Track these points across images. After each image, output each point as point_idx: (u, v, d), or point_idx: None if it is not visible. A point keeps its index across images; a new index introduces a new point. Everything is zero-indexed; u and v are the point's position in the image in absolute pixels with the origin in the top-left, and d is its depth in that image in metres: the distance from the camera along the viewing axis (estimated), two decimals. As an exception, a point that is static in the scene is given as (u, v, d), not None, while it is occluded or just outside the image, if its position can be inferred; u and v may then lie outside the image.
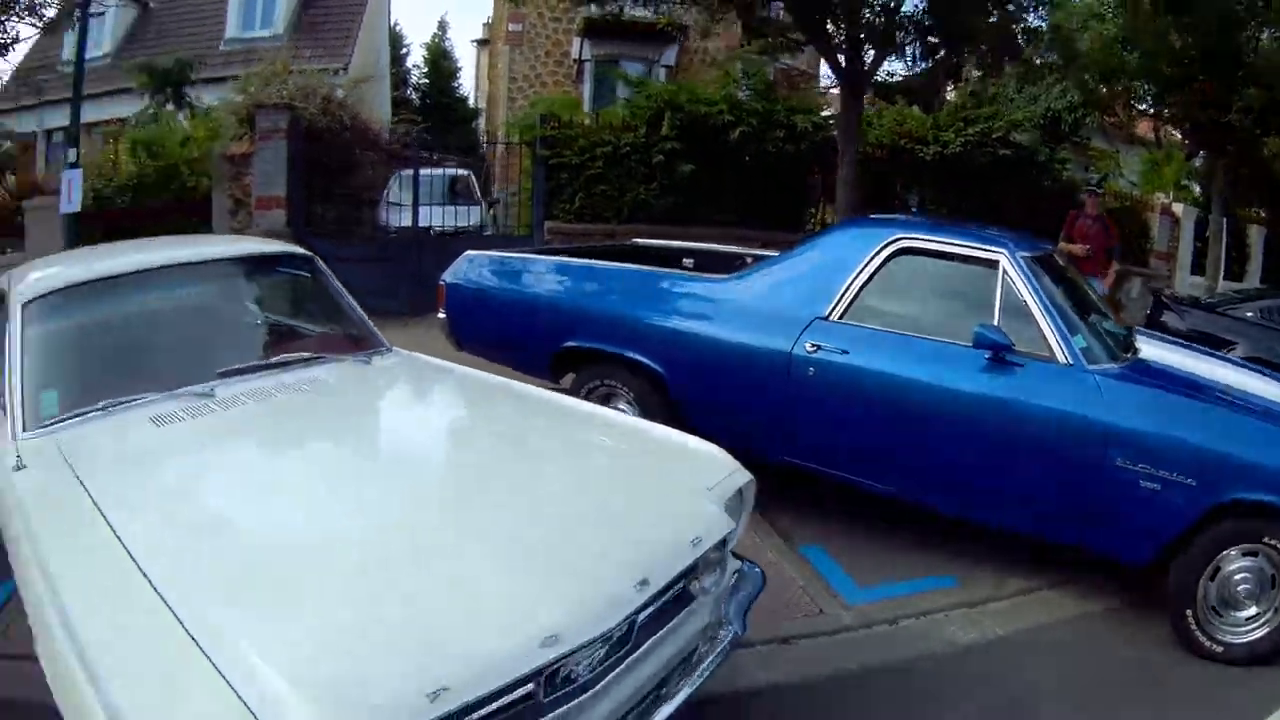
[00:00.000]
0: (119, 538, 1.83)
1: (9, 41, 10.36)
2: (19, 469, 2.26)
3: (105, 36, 17.07)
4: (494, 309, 4.75)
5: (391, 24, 25.55)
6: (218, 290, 3.38)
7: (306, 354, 3.04)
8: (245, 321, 3.38)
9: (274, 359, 2.98)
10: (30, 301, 2.72)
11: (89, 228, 7.76)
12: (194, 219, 8.56)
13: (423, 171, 9.41)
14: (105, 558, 1.78)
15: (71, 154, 7.10)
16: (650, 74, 17.57)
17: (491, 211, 11.30)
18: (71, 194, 7.04)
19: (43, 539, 1.90)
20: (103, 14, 14.42)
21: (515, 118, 15.33)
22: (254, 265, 3.53)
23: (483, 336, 4.81)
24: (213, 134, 9.14)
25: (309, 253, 3.57)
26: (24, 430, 2.44)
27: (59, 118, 14.92)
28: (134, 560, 1.75)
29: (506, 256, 4.96)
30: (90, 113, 15.09)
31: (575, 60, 17.32)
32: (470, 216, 10.58)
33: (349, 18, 17.34)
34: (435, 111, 26.98)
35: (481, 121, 26.52)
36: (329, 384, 2.89)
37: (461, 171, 11.72)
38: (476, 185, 11.87)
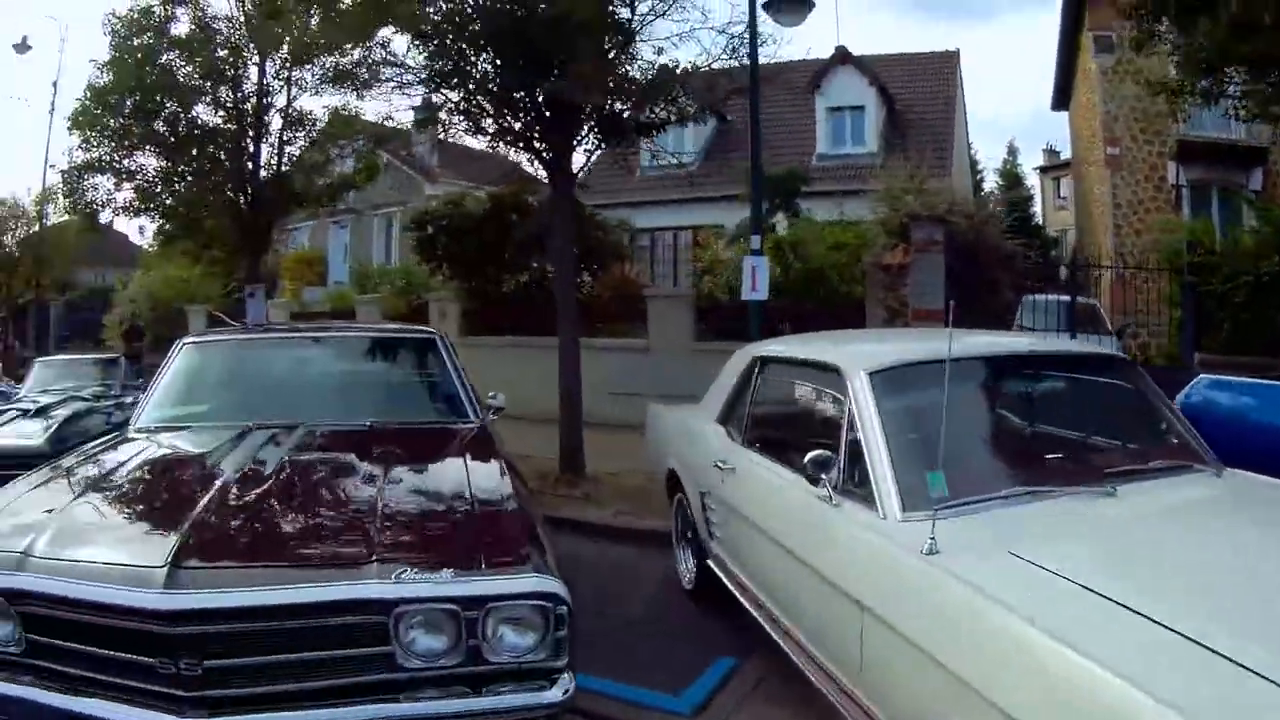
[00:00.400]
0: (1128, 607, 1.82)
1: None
2: (931, 553, 2.21)
3: (685, 145, 19.63)
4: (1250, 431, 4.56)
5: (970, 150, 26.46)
6: (1054, 387, 3.54)
7: (1169, 462, 3.00)
8: (1079, 421, 3.43)
9: (1133, 466, 2.92)
10: (876, 373, 2.89)
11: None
12: (845, 325, 9.32)
13: (1049, 298, 9.60)
14: (1121, 623, 1.78)
15: (755, 241, 7.93)
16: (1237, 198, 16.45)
17: (1123, 342, 11.00)
18: (756, 282, 7.75)
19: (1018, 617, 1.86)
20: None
21: (1123, 244, 14.92)
22: (1079, 365, 3.67)
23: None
24: (861, 242, 10.21)
25: (1123, 357, 3.84)
26: (905, 510, 2.47)
27: (640, 218, 17.26)
28: (1157, 622, 1.74)
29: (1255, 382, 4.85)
30: (677, 218, 18.00)
31: (1172, 185, 16.39)
32: (1105, 347, 10.43)
33: (940, 139, 18.28)
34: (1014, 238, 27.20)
35: (1063, 248, 25.71)
36: (1211, 494, 2.82)
37: (1089, 300, 11.70)
38: (1105, 315, 11.70)
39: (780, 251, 10.59)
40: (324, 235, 24.38)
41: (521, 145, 7.54)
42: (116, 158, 10.84)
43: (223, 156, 10.82)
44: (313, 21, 9.87)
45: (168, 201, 11.14)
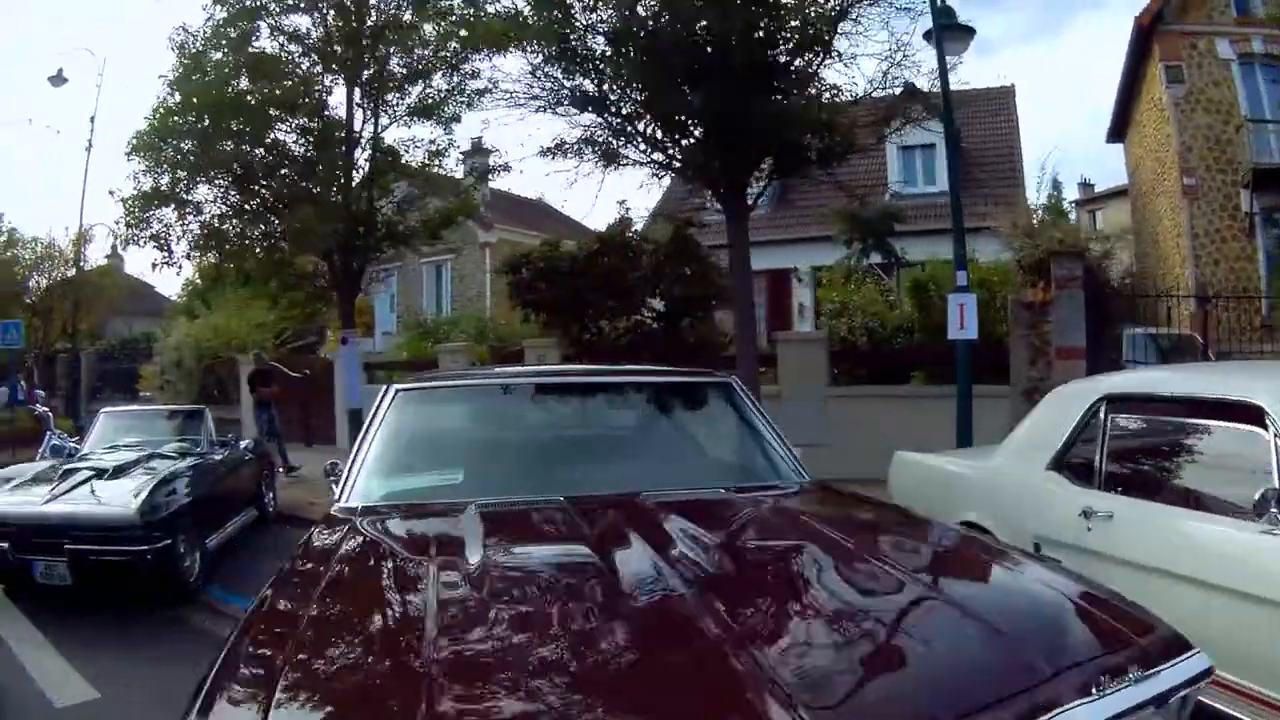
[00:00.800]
0: None
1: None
2: None
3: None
4: None
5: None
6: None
7: None
8: None
9: None
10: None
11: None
12: (991, 365, 9.05)
13: (1149, 330, 9.46)
14: None
15: (961, 277, 7.70)
16: None
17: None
18: (964, 319, 7.52)
19: None
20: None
21: (1202, 274, 14.66)
22: None
23: None
24: (1003, 279, 9.87)
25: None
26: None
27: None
28: None
29: None
30: (772, 260, 17.92)
31: (1246, 213, 16.22)
32: None
33: (1007, 176, 18.22)
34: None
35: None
36: None
37: (1190, 332, 11.35)
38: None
39: (920, 291, 10.25)
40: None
41: (690, 174, 7.18)
42: (181, 188, 10.26)
43: (308, 184, 10.28)
44: (425, 29, 9.45)
45: (250, 236, 10.60)
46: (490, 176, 11.41)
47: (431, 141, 11.03)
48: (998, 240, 10.87)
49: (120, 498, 5.48)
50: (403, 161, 10.98)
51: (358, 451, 3.16)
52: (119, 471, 6.05)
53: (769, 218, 18.20)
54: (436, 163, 11.26)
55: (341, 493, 2.99)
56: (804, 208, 18.30)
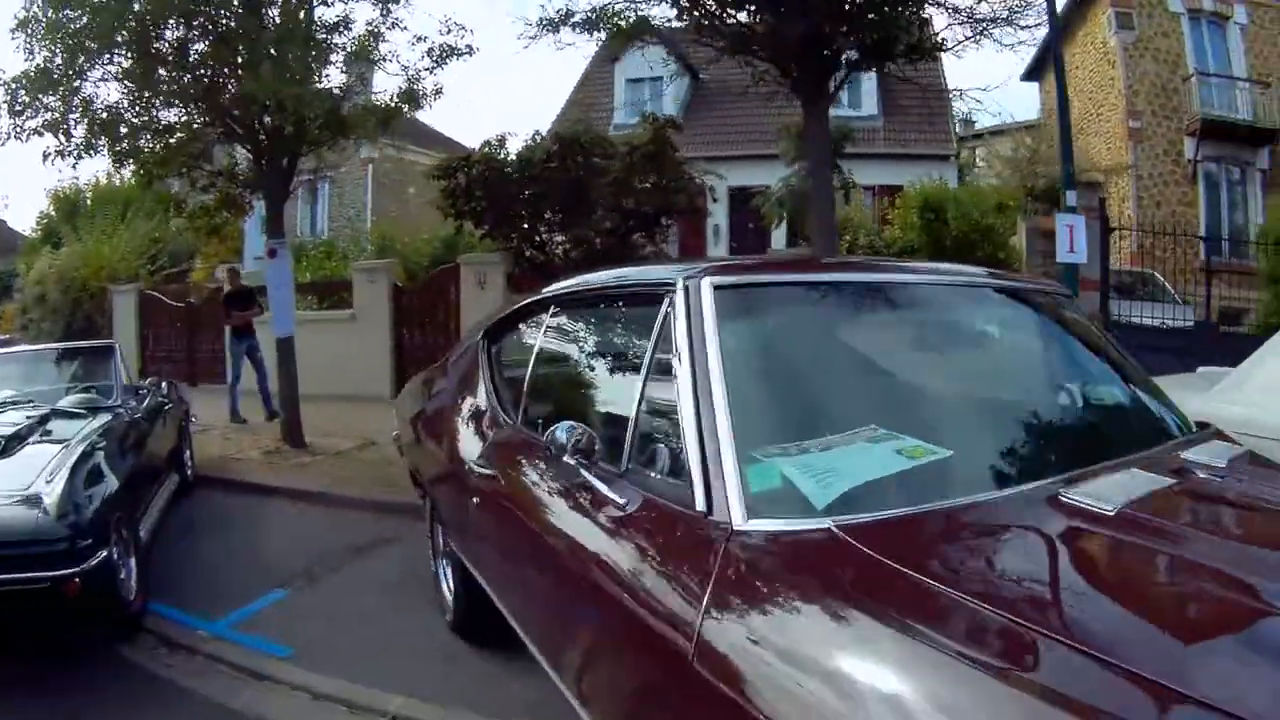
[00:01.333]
0: None
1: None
2: None
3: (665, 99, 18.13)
4: None
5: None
6: None
7: None
8: None
9: None
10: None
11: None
12: None
13: None
14: None
15: (1071, 197, 7.14)
16: (1245, 175, 17.00)
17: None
18: (1074, 242, 7.06)
19: None
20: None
21: (1144, 215, 14.74)
22: None
23: None
24: (1016, 204, 9.27)
25: None
26: None
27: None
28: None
29: None
30: None
31: (1190, 160, 16.48)
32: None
33: (934, 103, 17.81)
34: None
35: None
36: None
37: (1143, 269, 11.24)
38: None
39: (928, 211, 9.47)
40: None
41: (765, 56, 5.93)
42: (71, 74, 8.15)
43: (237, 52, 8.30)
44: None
45: (155, 122, 8.56)
46: (448, 60, 9.70)
47: (369, 23, 9.24)
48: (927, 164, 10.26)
49: (18, 490, 3.42)
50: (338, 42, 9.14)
51: (706, 403, 1.70)
52: (8, 446, 3.97)
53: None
54: (374, 45, 9.46)
55: (710, 499, 1.60)
56: (722, 122, 17.63)
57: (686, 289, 1.95)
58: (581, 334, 2.85)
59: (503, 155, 10.77)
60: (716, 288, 1.92)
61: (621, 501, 1.83)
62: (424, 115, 11.06)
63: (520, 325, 3.28)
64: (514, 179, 10.38)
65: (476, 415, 3.24)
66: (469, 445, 3.14)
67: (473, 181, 10.57)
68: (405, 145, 19.42)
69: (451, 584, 3.59)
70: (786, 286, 2.17)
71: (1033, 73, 22.08)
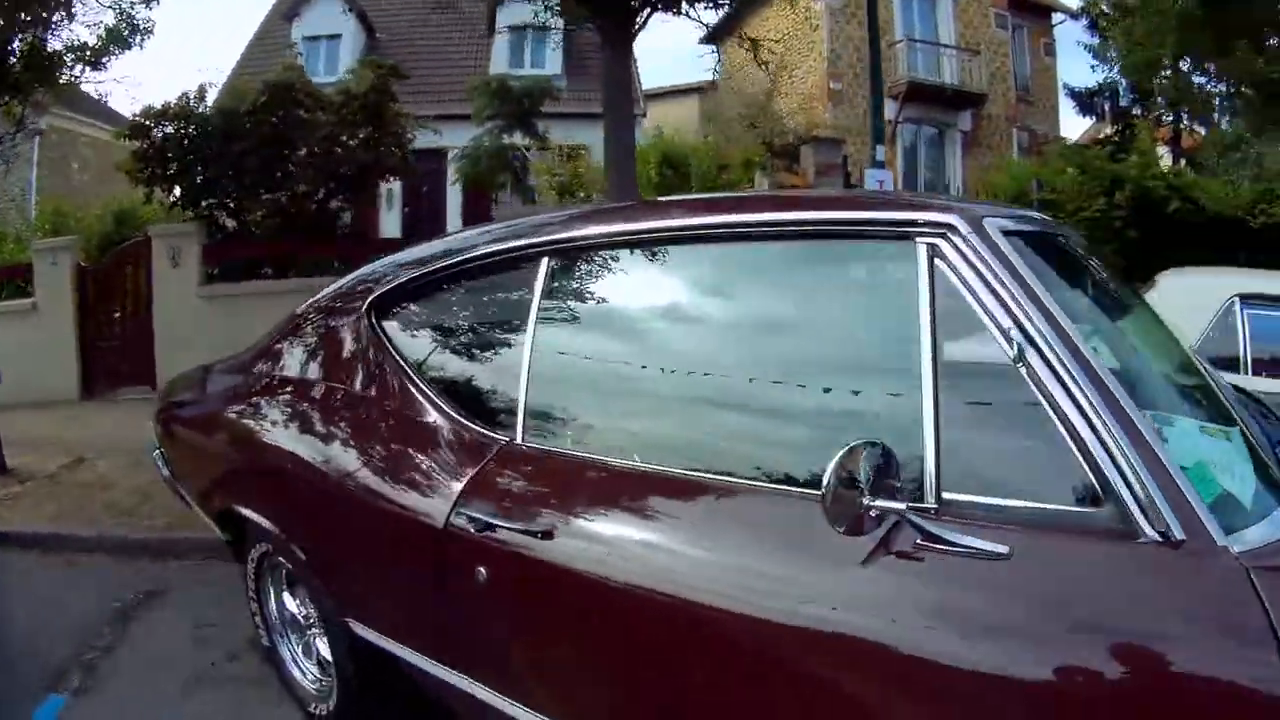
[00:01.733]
0: None
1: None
2: None
3: (343, 58, 16.81)
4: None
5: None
6: None
7: None
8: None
9: None
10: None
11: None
12: None
13: None
14: None
15: (880, 152, 7.90)
16: (945, 137, 18.89)
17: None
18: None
19: None
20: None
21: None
22: None
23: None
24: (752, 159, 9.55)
25: None
26: None
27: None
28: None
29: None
30: None
31: (890, 120, 18.05)
32: None
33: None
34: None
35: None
36: None
37: None
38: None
39: (662, 166, 9.49)
40: None
41: None
42: None
43: None
44: None
45: None
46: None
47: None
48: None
49: None
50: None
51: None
52: None
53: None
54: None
55: (1181, 518, 1.22)
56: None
57: (979, 231, 1.45)
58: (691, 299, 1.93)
59: (201, 110, 9.39)
60: (1006, 233, 1.47)
61: (1003, 550, 1.26)
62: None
63: (452, 293, 2.35)
64: (215, 136, 9.08)
65: (408, 428, 2.23)
66: (431, 480, 2.09)
67: (168, 140, 9.15)
68: (76, 117, 17.00)
69: (329, 658, 2.56)
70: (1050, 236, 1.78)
71: (712, 37, 22.89)
